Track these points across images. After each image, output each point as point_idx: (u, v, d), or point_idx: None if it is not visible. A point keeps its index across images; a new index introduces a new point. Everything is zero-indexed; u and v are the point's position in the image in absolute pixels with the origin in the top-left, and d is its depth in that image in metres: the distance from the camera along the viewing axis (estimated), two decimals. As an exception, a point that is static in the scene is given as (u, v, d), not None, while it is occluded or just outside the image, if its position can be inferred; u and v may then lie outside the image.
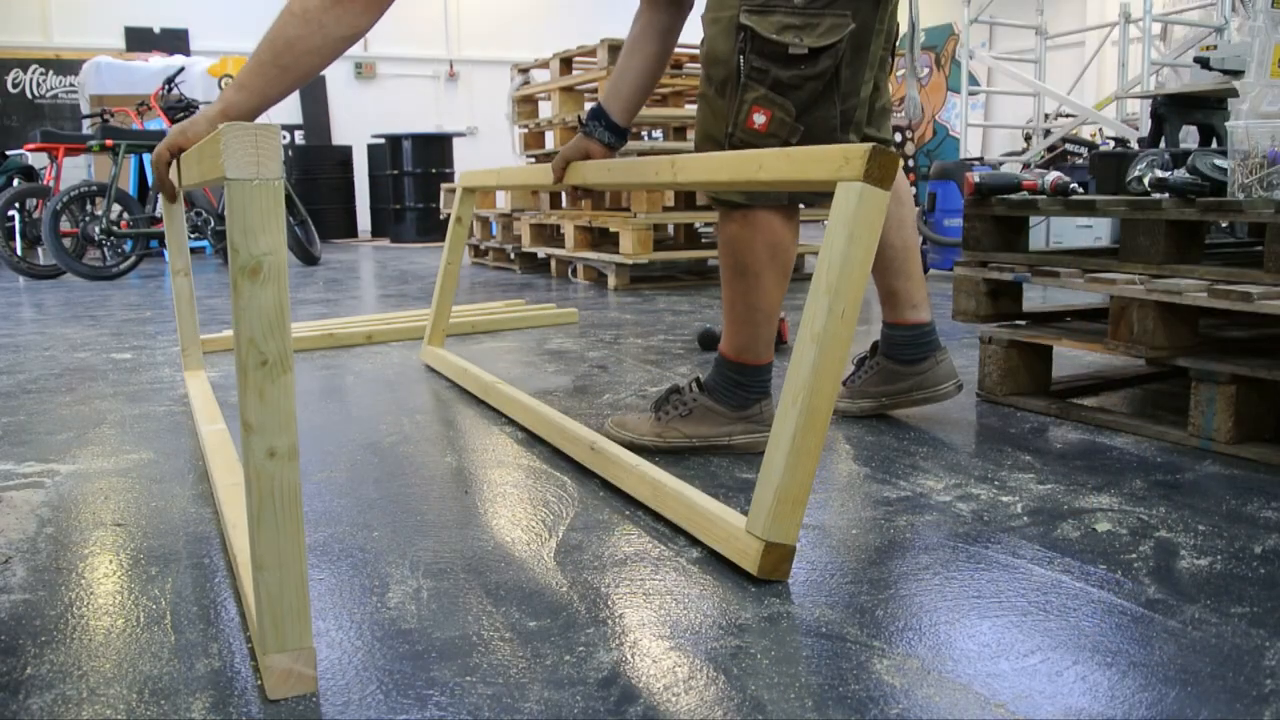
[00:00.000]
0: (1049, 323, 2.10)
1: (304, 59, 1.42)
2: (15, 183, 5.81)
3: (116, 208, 5.26)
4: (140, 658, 0.98)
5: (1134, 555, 1.21)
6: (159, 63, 7.77)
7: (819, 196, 1.50)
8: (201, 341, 2.34)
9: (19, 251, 5.63)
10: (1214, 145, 2.77)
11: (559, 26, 11.11)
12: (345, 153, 9.30)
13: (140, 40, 9.85)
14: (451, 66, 11.47)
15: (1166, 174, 1.73)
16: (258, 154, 0.82)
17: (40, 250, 5.65)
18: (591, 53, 4.58)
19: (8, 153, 6.00)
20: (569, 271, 4.91)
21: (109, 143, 5.41)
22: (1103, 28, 7.54)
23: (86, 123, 6.54)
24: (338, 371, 2.51)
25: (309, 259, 6.07)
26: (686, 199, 5.01)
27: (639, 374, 2.40)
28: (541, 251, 5.04)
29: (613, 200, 4.86)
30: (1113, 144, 5.30)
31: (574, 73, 4.76)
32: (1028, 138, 7.60)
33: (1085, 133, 7.05)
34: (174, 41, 9.88)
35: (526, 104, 5.31)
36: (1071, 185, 1.92)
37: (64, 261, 5.01)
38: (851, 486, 1.51)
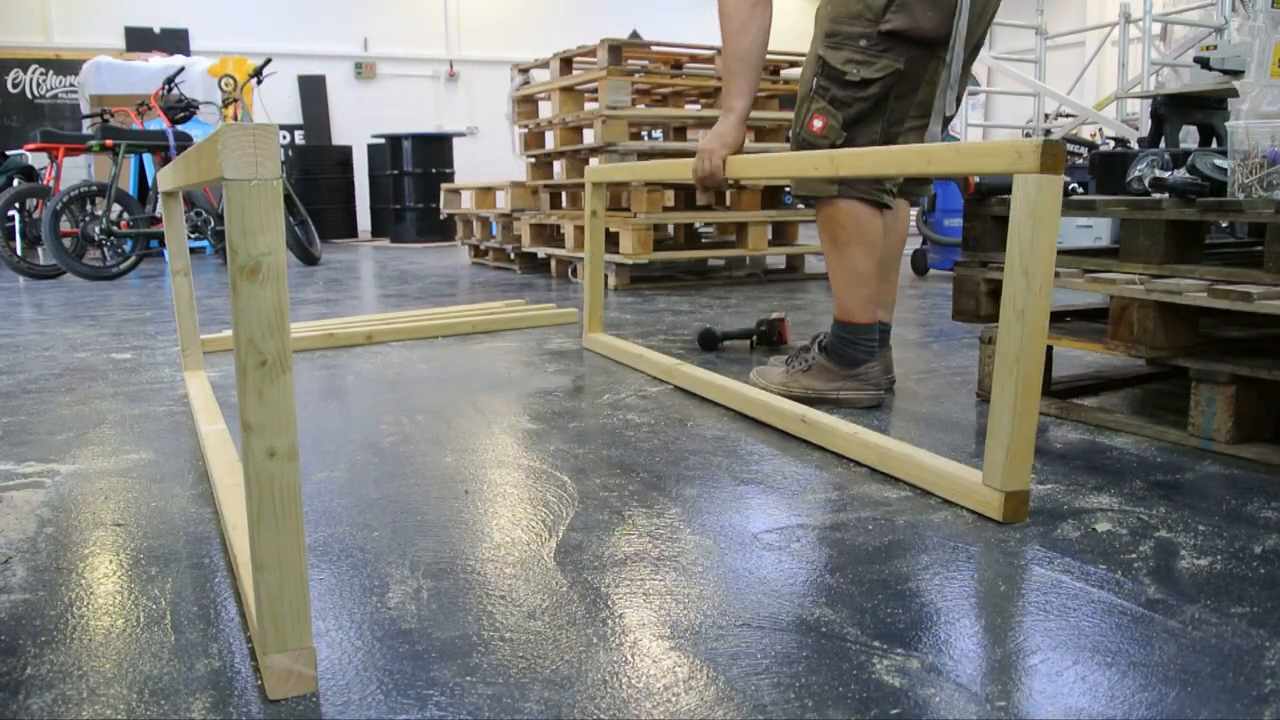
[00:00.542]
0: (1049, 323, 2.09)
1: (758, 53, 2.01)
2: (15, 183, 5.81)
3: (116, 208, 5.26)
4: (140, 658, 0.98)
5: (1134, 555, 1.21)
6: (159, 63, 7.77)
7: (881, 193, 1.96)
8: (201, 341, 2.34)
9: (19, 251, 5.63)
10: (1214, 145, 2.77)
11: (559, 26, 11.11)
12: (345, 153, 9.30)
13: (140, 40, 9.86)
14: (451, 66, 11.47)
15: (1166, 174, 1.73)
16: (256, 154, 0.82)
17: (40, 250, 5.65)
18: (591, 53, 4.58)
19: (8, 153, 6.00)
20: (569, 272, 4.91)
21: (109, 143, 5.41)
22: (1103, 28, 7.54)
23: (86, 123, 6.53)
24: (338, 371, 2.51)
25: (309, 259, 6.07)
26: (686, 199, 5.01)
27: (639, 374, 2.40)
28: (541, 251, 5.04)
29: (613, 200, 4.86)
30: (1113, 144, 5.30)
31: (574, 73, 4.76)
32: (1028, 138, 7.58)
33: (1085, 133, 7.05)
34: (174, 41, 9.88)
35: (526, 104, 5.31)
36: (1071, 185, 1.92)
37: (64, 261, 5.01)
38: (851, 486, 1.51)
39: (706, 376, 2.16)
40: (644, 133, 6.51)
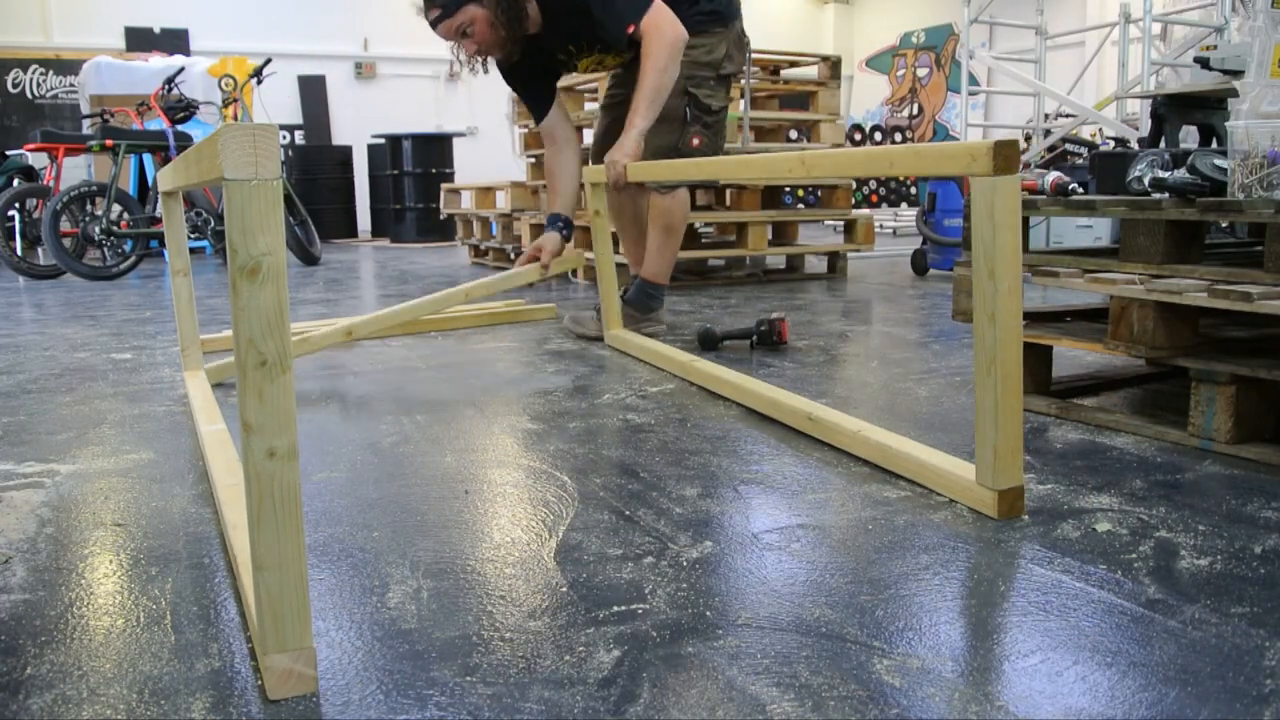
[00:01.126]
0: (1049, 323, 2.09)
1: (669, 91, 2.71)
2: (15, 183, 5.81)
3: (116, 208, 5.26)
4: (140, 658, 0.98)
5: (1134, 555, 1.21)
6: (159, 63, 7.77)
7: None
8: (201, 341, 2.34)
9: (19, 251, 5.63)
10: (1214, 145, 2.77)
11: (559, 26, 11.08)
12: (345, 153, 9.30)
13: (140, 40, 9.86)
14: (451, 66, 11.43)
15: (1166, 174, 1.73)
16: (255, 154, 0.82)
17: (40, 250, 5.65)
18: (591, 53, 4.57)
19: (8, 153, 6.00)
20: (569, 271, 4.91)
21: (109, 143, 5.41)
22: (1103, 28, 7.54)
23: (86, 123, 6.53)
24: (338, 371, 2.51)
25: (309, 259, 6.07)
26: (686, 199, 5.00)
27: (639, 374, 2.40)
28: (541, 251, 5.03)
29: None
30: (1113, 144, 5.30)
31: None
32: (1028, 138, 7.59)
33: (1085, 133, 7.05)
34: (174, 41, 9.89)
35: (526, 104, 5.30)
36: (1071, 185, 1.92)
37: (64, 261, 5.01)
38: (851, 486, 1.51)
39: (720, 372, 2.18)
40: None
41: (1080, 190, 1.93)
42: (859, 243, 4.84)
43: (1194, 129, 2.97)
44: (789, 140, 5.27)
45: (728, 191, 4.89)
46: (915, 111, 12.27)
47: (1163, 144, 2.84)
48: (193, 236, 5.79)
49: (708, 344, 2.72)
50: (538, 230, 5.07)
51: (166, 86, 6.09)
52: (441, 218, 6.89)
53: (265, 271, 0.84)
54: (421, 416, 2.00)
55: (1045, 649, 0.97)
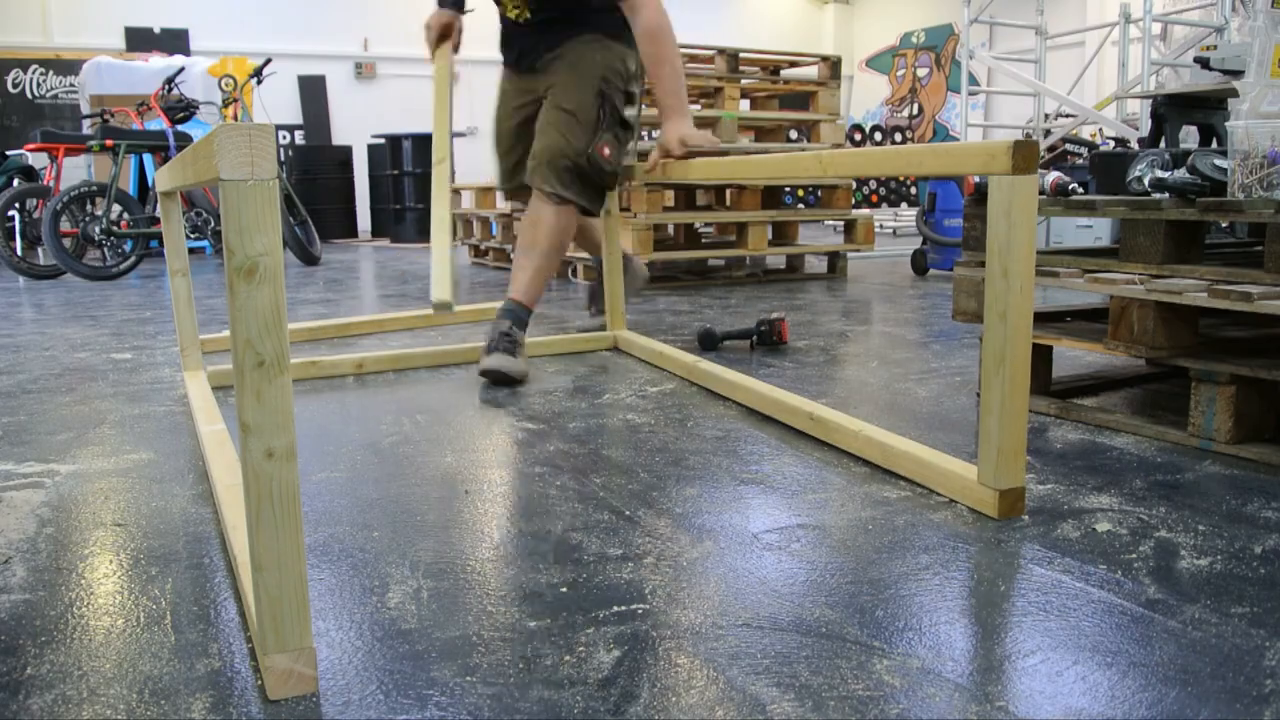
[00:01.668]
0: (1049, 323, 2.09)
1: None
2: (15, 183, 5.81)
3: (116, 208, 5.26)
4: (140, 658, 0.98)
5: (1134, 555, 1.21)
6: (159, 63, 7.76)
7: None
8: (201, 342, 2.33)
9: (19, 251, 5.63)
10: (1214, 145, 2.77)
11: (559, 26, 11.08)
12: (345, 153, 9.30)
13: (140, 40, 9.86)
14: (452, 67, 11.46)
15: (1166, 174, 1.73)
16: (252, 154, 0.82)
17: (40, 250, 5.65)
18: (591, 53, 4.57)
19: (8, 153, 5.99)
20: (569, 272, 4.91)
21: (109, 143, 5.41)
22: (1103, 28, 7.54)
23: (86, 123, 6.53)
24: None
25: (309, 259, 6.07)
26: (687, 200, 5.00)
27: (639, 374, 2.40)
28: (541, 251, 5.03)
29: (613, 200, 4.85)
30: (1113, 144, 5.30)
31: (574, 73, 4.75)
32: (1028, 138, 7.59)
33: (1085, 133, 7.05)
34: (174, 41, 9.89)
35: (526, 104, 5.30)
36: (1071, 185, 1.92)
37: (64, 261, 5.01)
38: (851, 486, 1.51)
39: (727, 375, 2.17)
40: (644, 133, 6.50)
41: (1080, 190, 1.93)
42: (859, 243, 4.84)
43: (1194, 129, 2.97)
44: (789, 140, 5.27)
45: (727, 191, 4.89)
46: (915, 111, 12.28)
47: (1163, 144, 2.84)
48: (193, 236, 5.79)
49: (708, 344, 2.72)
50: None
51: (166, 86, 6.09)
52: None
53: (262, 272, 0.84)
54: (421, 416, 2.00)
55: (1045, 649, 0.97)
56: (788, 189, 5.71)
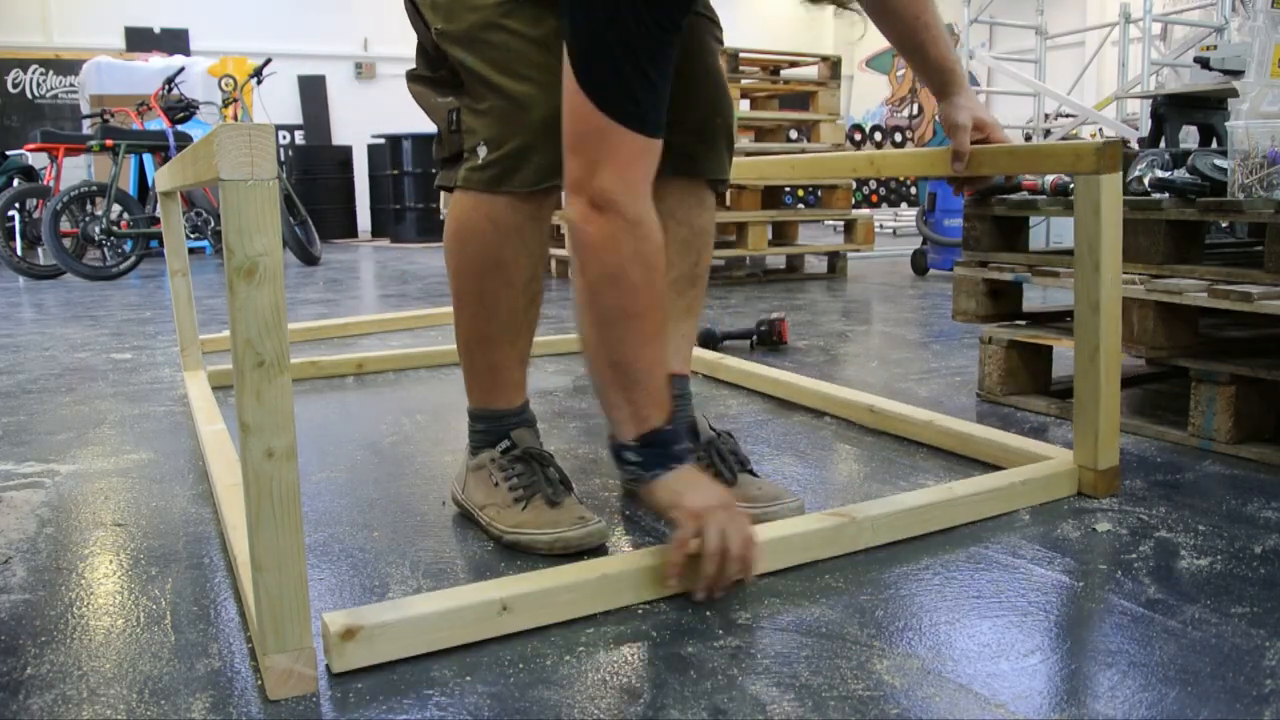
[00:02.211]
0: (1049, 323, 2.09)
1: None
2: (15, 183, 5.81)
3: (116, 208, 5.26)
4: (140, 658, 0.98)
5: (1134, 555, 1.21)
6: (159, 63, 7.76)
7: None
8: (201, 341, 2.34)
9: (19, 251, 5.63)
10: (1214, 145, 2.77)
11: (559, 26, 11.09)
12: (345, 153, 9.30)
13: (140, 40, 9.86)
14: (452, 66, 11.46)
15: (1166, 174, 1.73)
16: (252, 154, 0.82)
17: (40, 250, 5.65)
18: (591, 53, 4.57)
19: (8, 153, 5.99)
20: (569, 271, 4.90)
21: (109, 143, 5.41)
22: (1103, 28, 7.54)
23: (86, 123, 6.53)
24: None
25: (309, 259, 6.07)
26: (686, 199, 4.99)
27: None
28: (541, 251, 5.03)
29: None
30: (1113, 144, 5.29)
31: (574, 73, 4.75)
32: (1028, 138, 7.59)
33: (1085, 133, 7.05)
34: (174, 41, 9.89)
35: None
36: (1072, 185, 1.92)
37: (64, 261, 5.01)
38: (851, 486, 1.51)
39: (759, 370, 2.21)
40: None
41: (1080, 190, 1.93)
42: (859, 243, 4.84)
43: (1194, 129, 2.97)
44: (789, 140, 5.27)
45: (728, 192, 4.88)
46: (915, 111, 12.27)
47: (1163, 144, 2.84)
48: (193, 236, 5.79)
49: (708, 344, 2.72)
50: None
51: (166, 86, 6.09)
52: (441, 218, 6.89)
53: (262, 272, 0.84)
54: (421, 416, 2.00)
55: (1045, 649, 0.97)
56: (788, 189, 5.71)
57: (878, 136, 10.07)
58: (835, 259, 4.93)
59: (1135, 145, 4.28)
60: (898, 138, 10.28)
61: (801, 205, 7.10)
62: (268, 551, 0.87)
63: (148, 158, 6.50)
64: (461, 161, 1.25)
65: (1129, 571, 1.16)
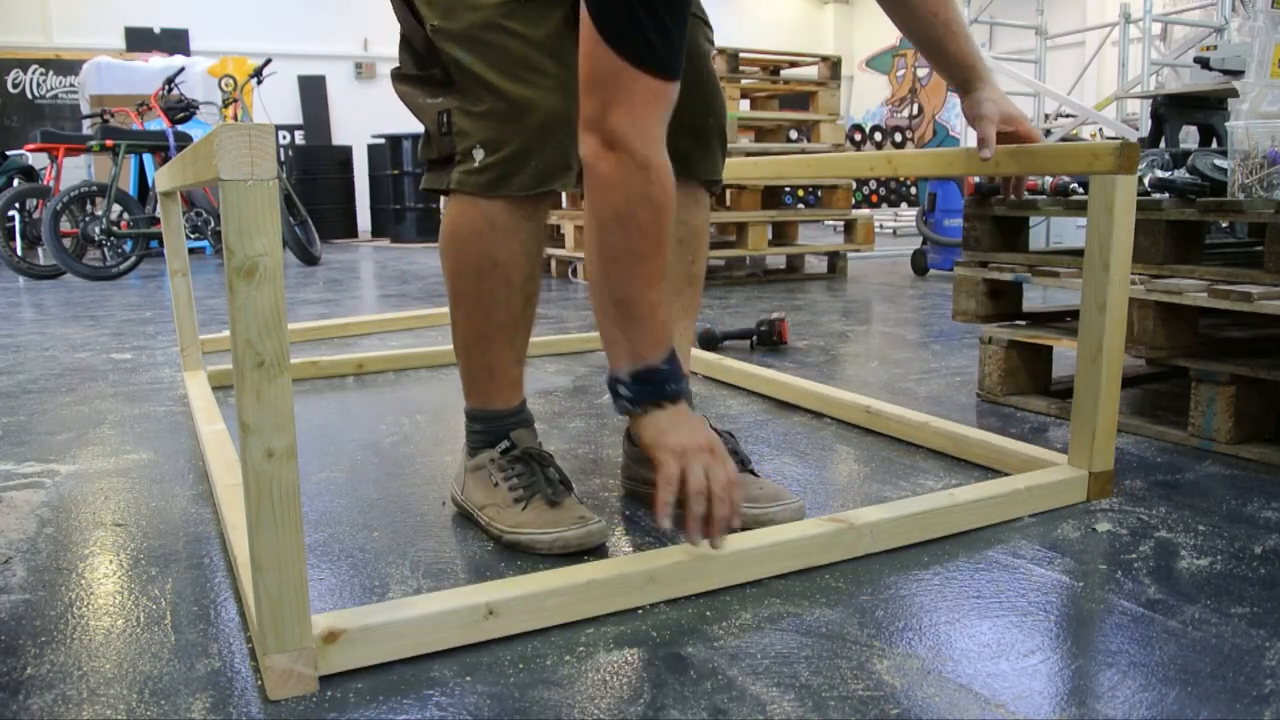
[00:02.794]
0: (1049, 323, 2.09)
1: None
2: (15, 183, 5.81)
3: (116, 208, 5.26)
4: (140, 658, 0.98)
5: (1134, 555, 1.21)
6: (159, 63, 7.76)
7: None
8: (201, 342, 2.34)
9: (19, 251, 5.63)
10: (1214, 145, 2.77)
11: (559, 26, 11.09)
12: (345, 153, 9.30)
13: (140, 40, 9.86)
14: (452, 66, 11.45)
15: (1167, 174, 1.73)
16: (251, 154, 0.82)
17: (40, 250, 5.65)
18: (591, 53, 4.57)
19: (8, 153, 5.99)
20: (569, 271, 4.91)
21: (109, 143, 5.41)
22: (1103, 28, 7.54)
23: (86, 123, 6.53)
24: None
25: (309, 259, 6.07)
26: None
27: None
28: (541, 251, 5.03)
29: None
30: (1113, 144, 5.29)
31: (574, 73, 4.75)
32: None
33: (1085, 133, 7.05)
34: (174, 41, 9.89)
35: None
36: (1071, 185, 1.92)
37: (64, 261, 5.01)
38: (851, 486, 1.51)
39: (758, 371, 2.20)
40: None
41: (1080, 190, 1.93)
42: (859, 243, 4.84)
43: (1194, 129, 2.97)
44: (789, 140, 5.27)
45: (727, 191, 4.89)
46: (915, 111, 12.27)
47: (1163, 144, 2.84)
48: (193, 237, 5.79)
49: (708, 344, 2.72)
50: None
51: (166, 86, 6.09)
52: (441, 217, 6.89)
53: (262, 272, 0.84)
54: (421, 416, 2.00)
55: (1045, 649, 0.97)
56: (788, 189, 5.71)
57: (878, 136, 10.07)
58: (835, 259, 4.93)
59: (1135, 145, 4.26)
60: (898, 138, 10.28)
61: (801, 205, 7.10)
62: (268, 551, 0.87)
63: (148, 158, 6.50)
64: (453, 164, 1.24)
65: (1129, 571, 1.16)
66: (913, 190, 9.24)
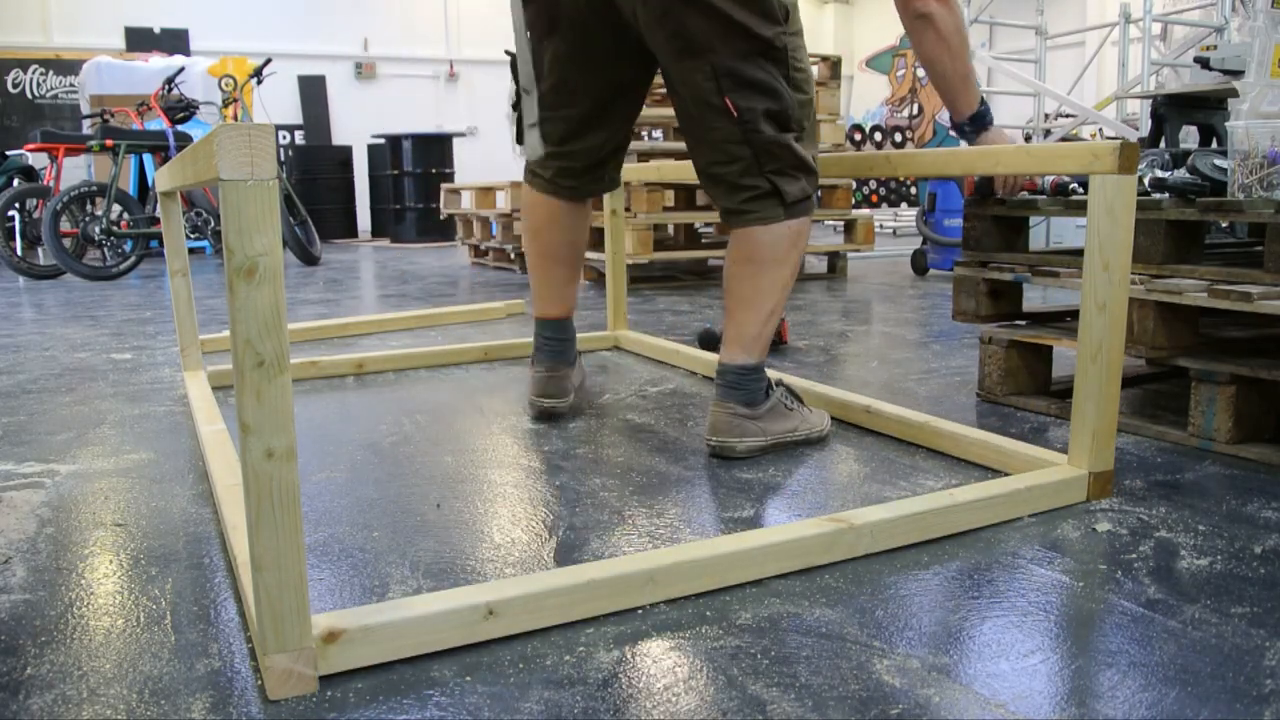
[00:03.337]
0: (1049, 323, 2.09)
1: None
2: (15, 183, 5.81)
3: (116, 208, 5.26)
4: (140, 658, 0.98)
5: (1134, 555, 1.21)
6: (159, 63, 7.76)
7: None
8: (201, 342, 2.34)
9: (19, 251, 5.63)
10: (1214, 145, 2.76)
11: (559, 26, 11.09)
12: (345, 153, 9.30)
13: (140, 40, 9.86)
14: (451, 66, 11.47)
15: (1166, 174, 1.73)
16: (251, 154, 0.82)
17: (40, 250, 5.65)
18: (591, 53, 4.58)
19: (8, 153, 5.99)
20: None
21: (109, 143, 5.41)
22: (1103, 28, 7.54)
23: (86, 123, 6.53)
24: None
25: (309, 259, 6.07)
26: (687, 199, 5.00)
27: (640, 373, 2.40)
28: (541, 251, 5.03)
29: (613, 200, 4.85)
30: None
31: (574, 73, 4.75)
32: (1028, 138, 7.58)
33: (1085, 133, 7.05)
34: (174, 41, 9.89)
35: (526, 104, 5.31)
36: (1072, 185, 1.92)
37: (64, 261, 5.01)
38: (851, 486, 1.51)
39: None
40: (644, 133, 6.51)
41: (1080, 190, 1.93)
42: (859, 243, 4.84)
43: (1194, 129, 2.97)
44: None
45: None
46: (915, 111, 12.27)
47: (1163, 144, 2.84)
48: (193, 236, 5.79)
49: (708, 344, 2.72)
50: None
51: (166, 86, 6.09)
52: (441, 218, 6.89)
53: (262, 272, 0.84)
54: (421, 416, 2.00)
55: (1045, 649, 0.97)
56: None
57: (878, 136, 10.07)
58: (835, 259, 4.93)
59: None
60: (898, 138, 10.28)
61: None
62: (268, 551, 0.87)
63: (148, 158, 6.50)
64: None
65: (1129, 571, 1.16)
66: (913, 190, 9.24)
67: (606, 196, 2.64)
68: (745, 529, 1.32)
